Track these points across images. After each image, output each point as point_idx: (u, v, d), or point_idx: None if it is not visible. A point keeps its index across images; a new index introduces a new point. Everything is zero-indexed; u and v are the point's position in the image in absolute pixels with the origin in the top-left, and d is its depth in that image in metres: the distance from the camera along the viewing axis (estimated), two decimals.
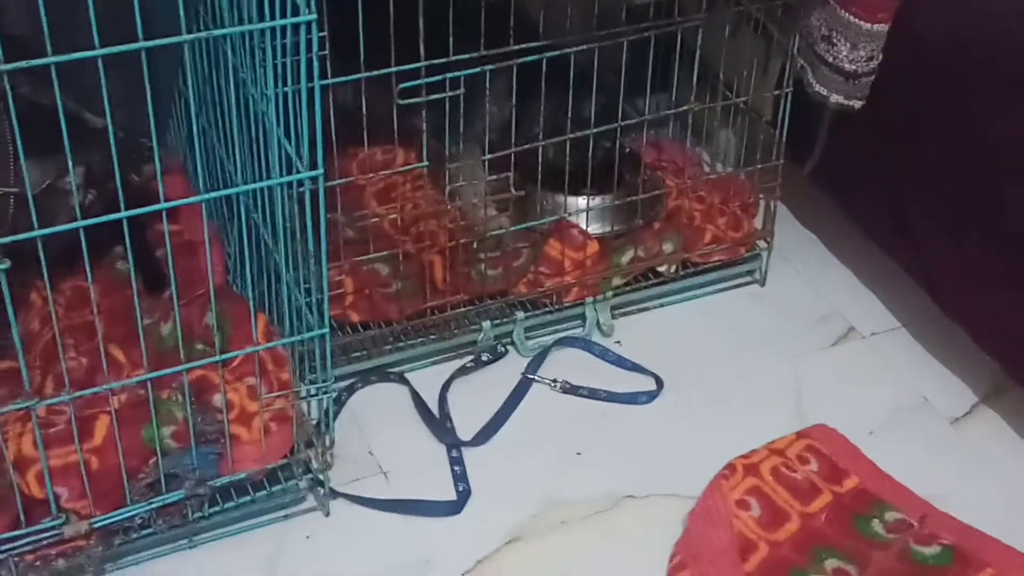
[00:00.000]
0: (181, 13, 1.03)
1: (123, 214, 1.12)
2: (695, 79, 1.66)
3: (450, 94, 1.41)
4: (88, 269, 1.15)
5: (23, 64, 0.98)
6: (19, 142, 1.07)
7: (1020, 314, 1.45)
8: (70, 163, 1.08)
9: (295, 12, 1.10)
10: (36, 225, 1.07)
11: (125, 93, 1.46)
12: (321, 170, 1.17)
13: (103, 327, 1.51)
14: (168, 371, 1.25)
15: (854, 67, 1.51)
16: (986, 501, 1.45)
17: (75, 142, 1.39)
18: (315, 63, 1.10)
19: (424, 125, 1.44)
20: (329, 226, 1.52)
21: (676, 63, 1.60)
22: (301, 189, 1.19)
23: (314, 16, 1.08)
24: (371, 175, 1.55)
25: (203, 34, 1.04)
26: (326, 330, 1.29)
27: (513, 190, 1.54)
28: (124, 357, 1.45)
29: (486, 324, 1.62)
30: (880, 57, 1.51)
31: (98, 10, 1.37)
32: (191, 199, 1.18)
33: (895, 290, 1.74)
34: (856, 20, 1.47)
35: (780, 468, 1.46)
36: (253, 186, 1.24)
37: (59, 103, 1.03)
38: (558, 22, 1.54)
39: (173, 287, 1.22)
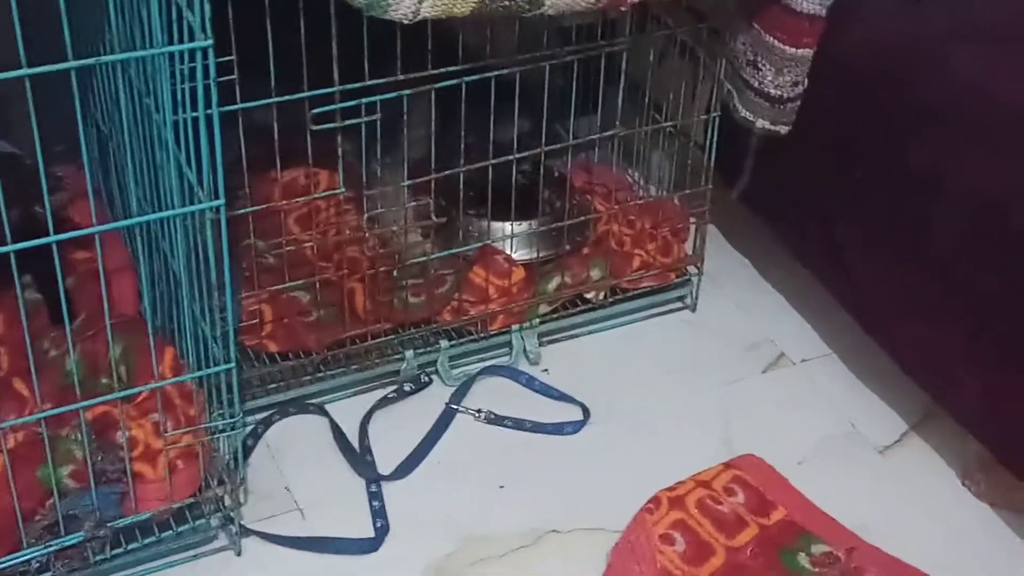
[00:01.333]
0: (67, 41, 0.98)
1: (11, 247, 1.07)
2: (620, 102, 1.64)
3: (366, 119, 1.38)
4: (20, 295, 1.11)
5: None
6: None
7: (946, 342, 1.43)
8: None
9: (192, 37, 1.06)
10: None
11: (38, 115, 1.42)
12: (222, 200, 1.13)
13: (7, 359, 1.47)
14: (62, 409, 1.20)
15: (779, 92, 1.50)
16: (915, 532, 1.43)
17: None
18: (212, 89, 1.06)
19: (340, 150, 1.40)
20: (246, 253, 1.50)
21: (601, 86, 1.57)
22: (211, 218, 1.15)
23: (210, 42, 1.04)
24: (284, 202, 1.50)
25: (91, 60, 0.99)
26: (232, 364, 1.24)
27: (434, 216, 1.50)
28: (28, 392, 1.40)
29: (409, 353, 1.59)
30: (806, 82, 1.50)
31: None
32: (85, 231, 1.12)
33: (827, 316, 1.72)
34: (780, 45, 1.45)
35: (706, 500, 1.43)
36: (152, 216, 1.20)
37: None
38: (482, 44, 1.50)
39: (66, 319, 1.16)
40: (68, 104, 1.59)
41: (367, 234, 1.57)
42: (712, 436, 1.56)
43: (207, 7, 1.04)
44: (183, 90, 1.11)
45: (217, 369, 1.25)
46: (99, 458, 1.26)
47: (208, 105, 1.07)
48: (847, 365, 1.70)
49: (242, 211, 1.40)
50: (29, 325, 1.47)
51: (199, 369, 1.30)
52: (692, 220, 1.76)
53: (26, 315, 1.48)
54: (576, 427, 1.56)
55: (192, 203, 1.15)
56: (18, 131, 1.54)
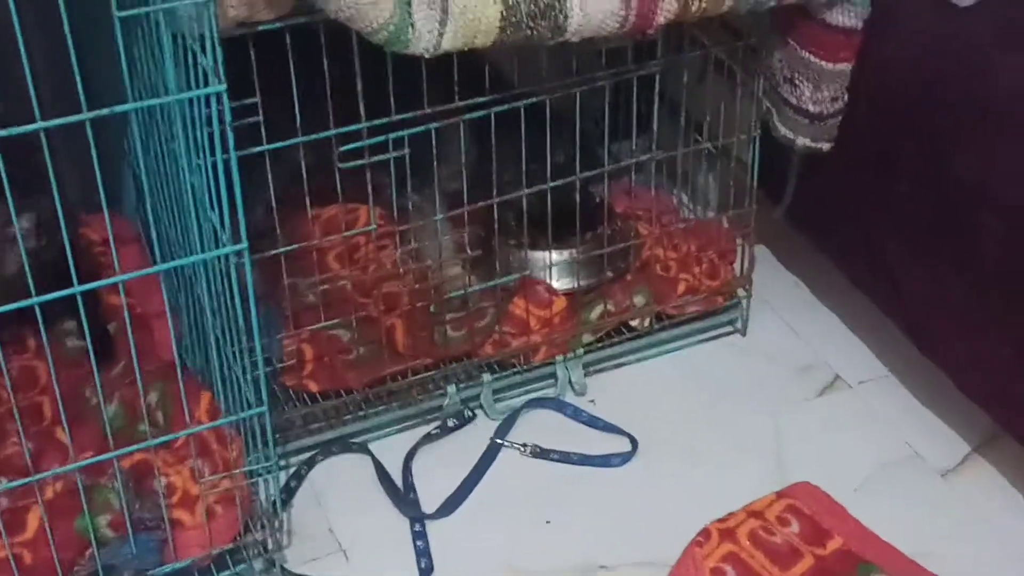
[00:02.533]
0: (80, 89, 0.99)
1: (34, 300, 1.07)
2: (656, 124, 1.61)
3: (394, 155, 1.37)
4: (45, 342, 1.12)
5: None
6: None
7: (1004, 359, 1.38)
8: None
9: (207, 82, 1.06)
10: None
11: (75, 161, 1.44)
12: (244, 243, 1.13)
13: (50, 408, 1.48)
14: (97, 458, 1.21)
15: (818, 108, 1.46)
16: (979, 559, 1.39)
17: (26, 187, 1.38)
18: (228, 134, 1.06)
19: (370, 187, 1.40)
20: (287, 292, 1.51)
21: (637, 108, 1.55)
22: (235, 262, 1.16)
23: (223, 87, 1.04)
24: (315, 241, 1.50)
25: (104, 111, 1.00)
26: (264, 408, 1.24)
27: (468, 249, 1.49)
28: (69, 441, 1.41)
29: (451, 388, 1.57)
30: (845, 97, 1.46)
31: (45, 77, 1.36)
32: (110, 280, 1.13)
33: (882, 335, 1.67)
34: (817, 60, 1.42)
35: (758, 532, 1.40)
36: (177, 263, 1.21)
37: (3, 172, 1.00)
38: (511, 70, 1.49)
39: (95, 367, 1.16)
40: (110, 151, 1.62)
41: (400, 270, 1.56)
42: (764, 464, 1.53)
43: (220, 52, 1.04)
44: (204, 135, 1.12)
45: (249, 413, 1.25)
46: (137, 506, 1.27)
47: (225, 150, 1.07)
48: (905, 386, 1.65)
49: (272, 252, 1.40)
50: (72, 373, 1.51)
51: (234, 413, 1.30)
52: (739, 241, 1.73)
53: (76, 362, 1.53)
54: (624, 459, 1.54)
55: (217, 247, 1.15)
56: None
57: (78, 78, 0.98)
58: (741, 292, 1.74)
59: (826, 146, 1.51)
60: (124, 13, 0.99)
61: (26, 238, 1.33)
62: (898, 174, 1.46)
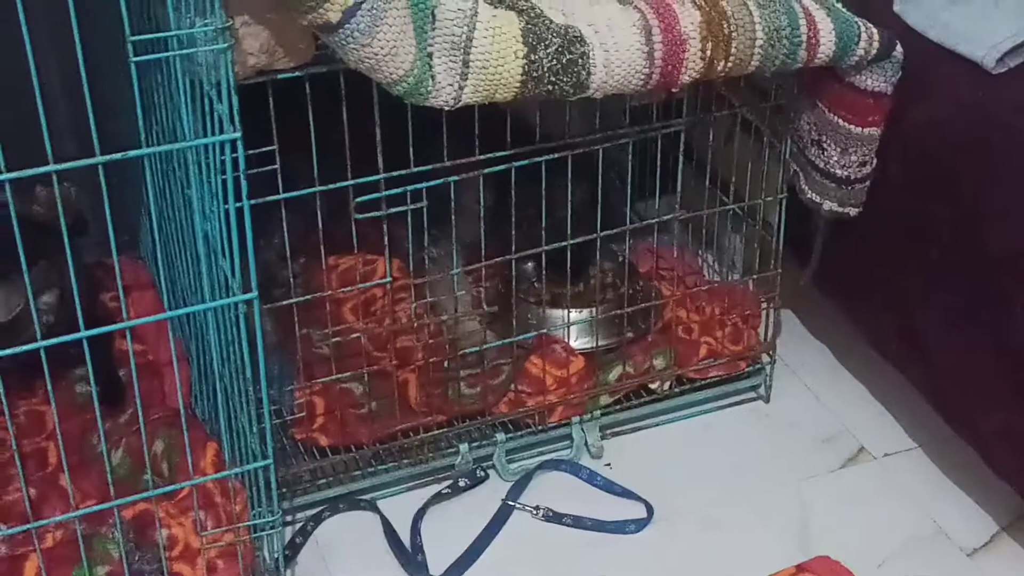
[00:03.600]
0: (94, 133, 0.99)
1: (41, 343, 1.07)
2: (680, 183, 1.61)
3: (412, 207, 1.37)
4: (50, 391, 1.13)
5: None
6: None
7: None
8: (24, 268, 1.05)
9: (222, 129, 1.06)
10: None
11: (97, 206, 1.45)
12: (255, 293, 1.13)
13: (56, 454, 1.48)
14: (96, 508, 1.20)
15: (846, 173, 1.45)
16: None
17: (50, 263, 1.39)
18: (242, 182, 1.07)
19: (387, 239, 1.40)
20: (300, 343, 1.50)
21: (660, 166, 1.55)
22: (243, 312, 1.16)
23: (238, 134, 1.05)
24: (329, 292, 1.50)
25: (117, 156, 1.00)
26: (269, 460, 1.23)
27: (485, 305, 1.48)
28: (74, 487, 1.40)
29: (464, 447, 1.56)
30: (874, 162, 1.45)
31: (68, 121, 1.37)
32: (116, 326, 1.13)
33: (910, 406, 1.65)
34: (846, 124, 1.41)
35: None
36: (185, 310, 1.21)
37: (13, 217, 1.01)
38: (534, 124, 1.50)
39: (98, 414, 1.16)
40: (129, 197, 1.63)
41: (415, 324, 1.55)
42: (785, 536, 1.50)
43: (235, 99, 1.05)
44: (219, 182, 1.12)
45: (254, 465, 1.24)
46: (136, 557, 1.26)
47: (238, 198, 1.07)
48: (932, 460, 1.62)
49: (286, 302, 1.40)
50: (82, 419, 1.51)
51: (240, 465, 1.29)
52: (763, 305, 1.71)
53: (84, 408, 1.53)
54: (639, 525, 1.52)
55: (227, 295, 1.15)
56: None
57: (92, 121, 0.98)
58: (765, 357, 1.72)
59: (853, 211, 1.49)
60: (140, 58, 1.00)
61: (48, 313, 1.35)
62: (929, 241, 1.44)
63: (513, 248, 1.49)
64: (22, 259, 1.02)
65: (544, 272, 1.54)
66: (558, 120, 1.47)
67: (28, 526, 1.18)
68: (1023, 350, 1.35)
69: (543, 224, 1.48)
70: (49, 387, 1.11)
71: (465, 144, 1.40)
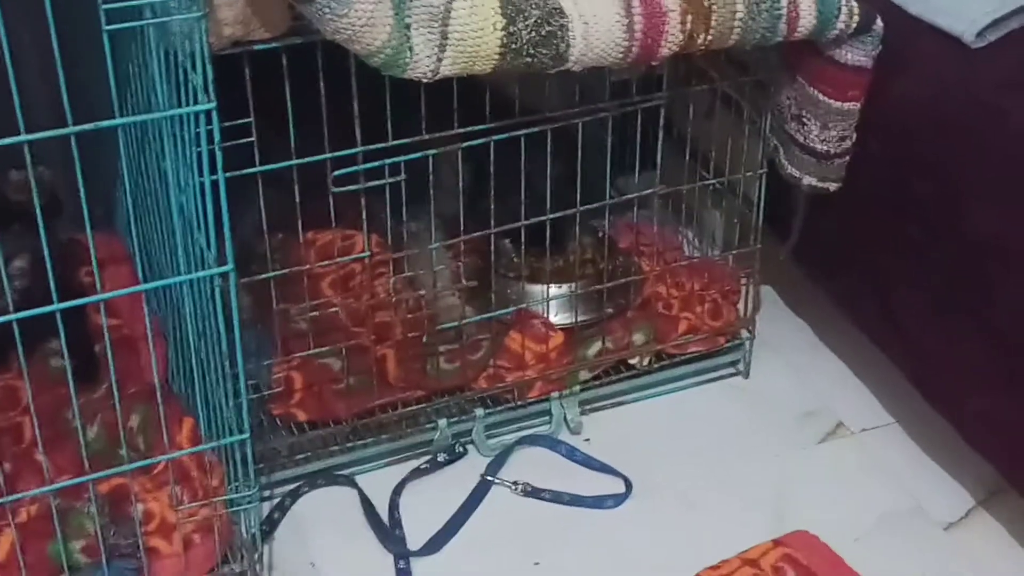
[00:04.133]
0: (66, 103, 0.98)
1: (13, 316, 1.07)
2: (660, 158, 1.61)
3: (389, 180, 1.37)
4: (23, 364, 1.12)
5: None
6: None
7: (1013, 413, 1.37)
8: None
9: (196, 99, 1.06)
10: None
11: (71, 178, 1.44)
12: (231, 265, 1.12)
13: (31, 429, 1.47)
14: (71, 482, 1.20)
15: (826, 147, 1.46)
16: None
17: (22, 228, 1.38)
18: (217, 153, 1.06)
19: (365, 212, 1.40)
20: (277, 318, 1.50)
21: (641, 141, 1.55)
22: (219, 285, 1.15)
23: (213, 104, 1.04)
24: (307, 266, 1.49)
25: (89, 126, 0.99)
26: (246, 435, 1.23)
27: (464, 280, 1.48)
28: (48, 462, 1.40)
29: (442, 422, 1.56)
30: (854, 137, 1.45)
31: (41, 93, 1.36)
32: (91, 299, 1.12)
33: (889, 383, 1.66)
34: (826, 98, 1.41)
35: None
36: (159, 283, 1.21)
37: None
38: (513, 98, 1.49)
39: (72, 387, 1.15)
40: (104, 171, 1.62)
41: (394, 298, 1.55)
42: (762, 511, 1.51)
43: (210, 69, 1.04)
44: (194, 154, 1.12)
45: (231, 439, 1.24)
46: (112, 532, 1.26)
47: (213, 170, 1.07)
48: (910, 436, 1.63)
49: (262, 276, 1.40)
50: (56, 393, 1.50)
51: (216, 439, 1.29)
52: (743, 281, 1.72)
53: (58, 382, 1.52)
54: (618, 500, 1.52)
55: (202, 268, 1.15)
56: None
57: (64, 91, 0.98)
58: (744, 333, 1.73)
59: (833, 186, 1.50)
60: (112, 27, 0.99)
61: (20, 277, 1.34)
62: (910, 218, 1.45)
63: (492, 223, 1.49)
64: None
65: (523, 247, 1.54)
66: (537, 94, 1.47)
67: (2, 500, 1.18)
68: (1004, 330, 1.36)
69: (522, 199, 1.48)
70: (22, 360, 1.11)
71: (444, 118, 1.39)
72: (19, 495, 1.23)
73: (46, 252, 1.04)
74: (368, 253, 1.44)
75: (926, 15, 1.41)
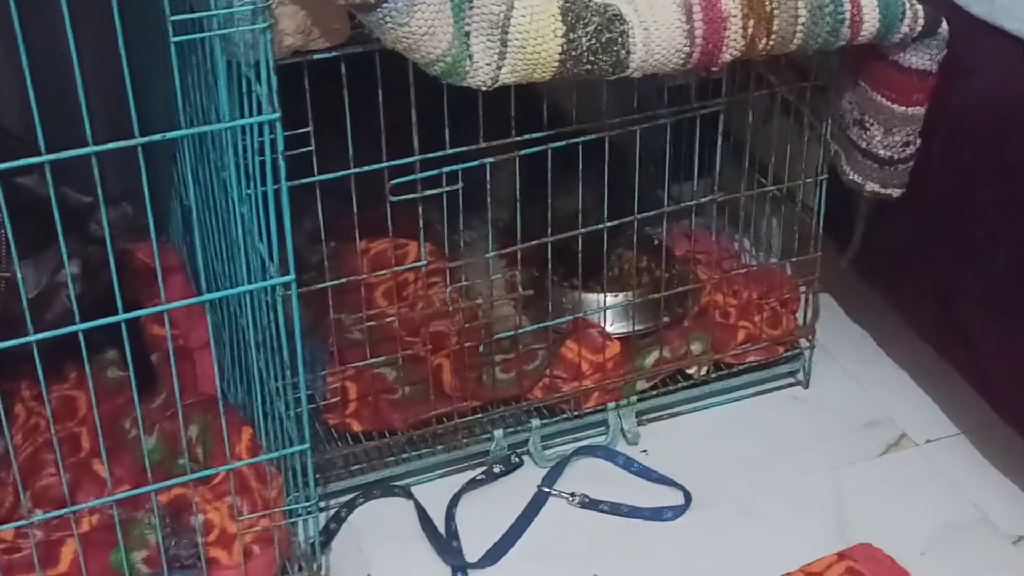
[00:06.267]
0: (133, 114, 1.01)
1: (79, 326, 1.10)
2: (719, 164, 1.62)
3: (447, 189, 1.39)
4: (88, 372, 1.15)
5: (14, 164, 0.98)
6: (9, 232, 1.06)
7: None
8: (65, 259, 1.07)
9: (260, 110, 1.08)
10: (31, 329, 1.06)
11: (124, 189, 1.48)
12: (292, 276, 1.14)
13: (89, 439, 1.50)
14: (133, 492, 1.23)
15: (889, 153, 1.46)
16: None
17: (72, 232, 1.41)
18: (281, 163, 1.08)
19: (422, 221, 1.42)
20: (332, 328, 1.52)
21: (698, 148, 1.56)
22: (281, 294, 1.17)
23: (277, 115, 1.06)
24: (363, 276, 1.52)
25: (156, 137, 1.02)
26: (306, 445, 1.25)
27: (520, 288, 1.50)
28: (107, 473, 1.43)
29: (498, 433, 1.58)
30: (918, 142, 1.46)
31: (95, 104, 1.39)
32: (154, 309, 1.15)
33: (952, 392, 1.66)
34: (889, 103, 1.42)
35: None
36: (221, 293, 1.23)
37: (53, 199, 1.03)
38: (570, 105, 1.51)
39: (136, 398, 1.18)
40: (158, 180, 1.65)
41: (450, 307, 1.57)
42: (825, 523, 1.51)
43: (275, 80, 1.06)
44: (256, 164, 1.14)
45: (291, 450, 1.26)
46: (173, 543, 1.28)
47: (276, 180, 1.09)
48: (976, 447, 1.63)
49: (319, 286, 1.42)
50: (112, 404, 1.53)
51: (275, 450, 1.31)
52: (802, 289, 1.72)
53: (116, 392, 1.55)
54: (676, 512, 1.53)
55: (264, 279, 1.17)
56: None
57: (131, 102, 1.00)
58: (804, 342, 1.73)
59: (896, 192, 1.50)
60: (180, 38, 1.02)
61: (75, 282, 1.37)
62: (974, 224, 1.45)
63: (549, 231, 1.50)
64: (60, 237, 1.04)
65: (580, 258, 1.55)
66: (594, 106, 1.48)
67: (65, 511, 1.21)
68: None
69: (579, 207, 1.49)
70: (88, 370, 1.14)
71: (499, 127, 1.41)
72: (82, 506, 1.26)
73: (112, 265, 1.07)
74: (425, 262, 1.45)
75: (991, 17, 1.41)
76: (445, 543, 1.48)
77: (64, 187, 1.38)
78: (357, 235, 1.44)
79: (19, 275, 1.09)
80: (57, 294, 1.46)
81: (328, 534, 1.48)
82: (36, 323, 1.07)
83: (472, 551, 1.47)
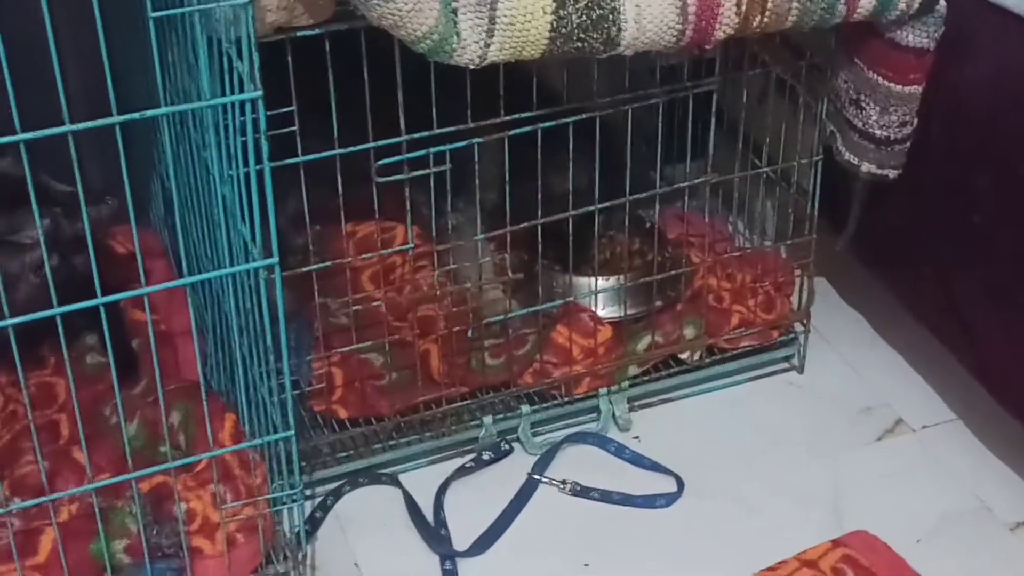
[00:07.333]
0: (111, 91, 1.00)
1: (57, 310, 1.08)
2: (712, 145, 1.61)
3: (434, 170, 1.37)
4: (67, 358, 1.14)
5: None
6: None
7: None
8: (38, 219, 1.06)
9: (242, 88, 1.07)
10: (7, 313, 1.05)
11: (102, 170, 1.46)
12: (276, 259, 1.13)
13: (68, 426, 1.49)
14: (113, 480, 1.22)
15: (885, 133, 1.45)
16: None
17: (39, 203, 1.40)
18: (263, 143, 1.07)
19: (409, 203, 1.40)
20: (318, 312, 1.51)
21: (692, 129, 1.55)
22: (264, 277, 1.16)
23: (259, 93, 1.05)
24: (348, 259, 1.50)
25: (135, 115, 1.01)
26: (291, 432, 1.24)
27: (510, 272, 1.49)
28: (87, 461, 1.42)
29: (487, 419, 1.57)
30: (915, 122, 1.45)
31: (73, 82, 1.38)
32: (135, 292, 1.14)
33: (949, 377, 1.65)
34: (885, 82, 1.41)
35: None
36: (202, 276, 1.21)
37: (28, 179, 1.02)
38: (560, 85, 1.50)
39: (116, 384, 1.17)
40: (137, 161, 1.64)
41: (438, 292, 1.56)
42: (820, 511, 1.51)
43: (257, 57, 1.05)
44: (239, 143, 1.13)
45: (275, 437, 1.25)
46: (154, 531, 1.27)
47: (259, 160, 1.08)
48: (973, 432, 1.63)
49: (304, 269, 1.41)
50: (91, 390, 1.52)
51: (259, 437, 1.30)
52: (797, 272, 1.71)
53: (96, 379, 1.54)
54: (669, 500, 1.53)
55: (247, 261, 1.16)
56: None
57: (109, 80, 0.99)
58: (799, 327, 1.73)
59: (893, 173, 1.49)
60: (158, 14, 1.00)
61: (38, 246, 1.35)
62: (973, 206, 1.44)
63: (539, 214, 1.49)
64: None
65: (571, 240, 1.54)
66: (581, 83, 1.47)
67: (44, 499, 1.20)
68: None
69: (569, 189, 1.48)
70: (66, 356, 1.12)
71: (488, 107, 1.40)
72: (61, 494, 1.25)
73: (91, 249, 1.06)
74: (412, 245, 1.44)
75: None
76: (433, 532, 1.48)
77: (44, 175, 1.37)
78: (343, 217, 1.43)
79: None
80: (20, 261, 1.44)
81: (314, 523, 1.47)
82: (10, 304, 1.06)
83: (461, 540, 1.47)
